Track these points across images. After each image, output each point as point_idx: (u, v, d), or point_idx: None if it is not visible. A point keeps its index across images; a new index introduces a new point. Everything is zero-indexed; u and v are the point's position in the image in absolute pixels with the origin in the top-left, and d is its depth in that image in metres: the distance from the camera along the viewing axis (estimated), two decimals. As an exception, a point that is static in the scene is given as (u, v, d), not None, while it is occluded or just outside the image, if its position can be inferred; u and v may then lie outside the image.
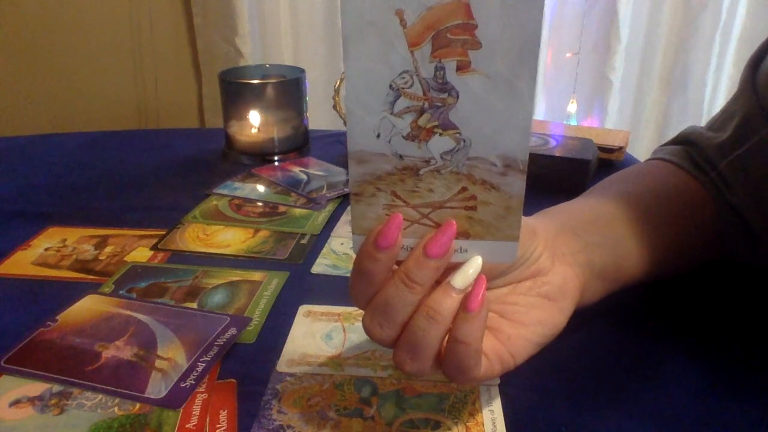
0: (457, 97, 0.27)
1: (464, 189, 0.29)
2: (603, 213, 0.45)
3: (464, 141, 0.28)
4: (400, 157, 0.28)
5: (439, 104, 0.27)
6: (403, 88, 0.27)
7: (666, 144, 0.55)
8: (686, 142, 0.52)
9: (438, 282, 0.31)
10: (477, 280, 0.31)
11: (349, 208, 0.65)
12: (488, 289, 0.32)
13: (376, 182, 0.29)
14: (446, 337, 0.31)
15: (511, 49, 0.25)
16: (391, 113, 0.27)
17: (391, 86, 0.27)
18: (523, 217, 0.30)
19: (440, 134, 0.28)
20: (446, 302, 0.30)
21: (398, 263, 0.31)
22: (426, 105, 0.27)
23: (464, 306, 0.30)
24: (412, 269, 0.30)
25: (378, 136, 0.28)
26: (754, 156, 0.47)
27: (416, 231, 0.30)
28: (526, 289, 0.36)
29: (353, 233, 0.31)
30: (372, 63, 0.26)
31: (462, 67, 0.26)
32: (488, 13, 0.25)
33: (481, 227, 0.30)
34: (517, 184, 0.28)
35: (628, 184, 0.50)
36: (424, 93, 0.27)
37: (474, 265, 0.31)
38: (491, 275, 0.33)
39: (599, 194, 0.49)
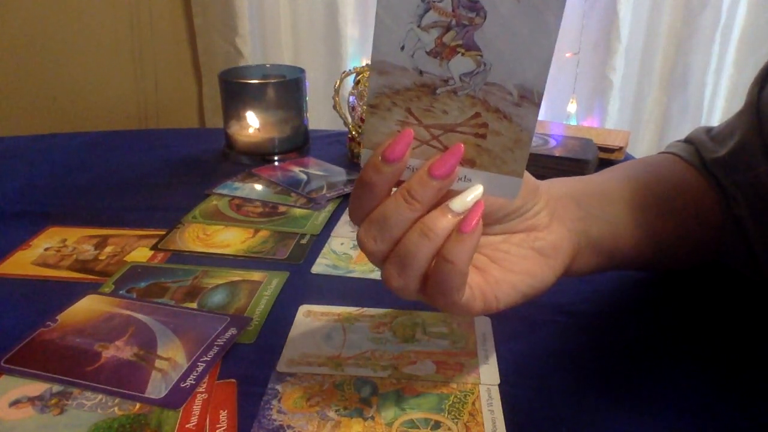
0: (485, 18, 0.27)
1: (477, 115, 0.29)
2: (607, 191, 0.45)
3: (484, 64, 0.28)
4: (420, 72, 0.29)
5: (466, 23, 0.27)
6: (433, 2, 0.27)
7: (677, 141, 0.55)
8: (693, 145, 0.52)
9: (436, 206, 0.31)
10: (474, 204, 0.31)
11: (348, 208, 0.65)
12: (483, 235, 0.32)
13: (393, 96, 0.29)
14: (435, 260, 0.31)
15: None
16: (419, 26, 0.28)
17: None
18: (527, 173, 0.30)
19: (462, 54, 0.28)
20: (442, 222, 0.30)
21: (399, 186, 0.31)
22: (453, 22, 0.27)
23: (458, 227, 0.30)
24: (415, 187, 0.30)
25: (402, 48, 0.28)
26: (751, 186, 0.47)
27: (424, 152, 0.30)
28: (519, 240, 0.37)
29: (363, 147, 0.31)
30: None
31: None
32: None
33: (488, 157, 0.30)
34: (530, 116, 0.29)
35: (637, 171, 0.50)
36: (453, 9, 0.27)
37: (474, 192, 0.31)
38: (489, 218, 0.34)
39: (607, 174, 0.49)
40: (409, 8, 0.27)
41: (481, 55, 0.28)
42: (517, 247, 0.37)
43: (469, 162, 0.30)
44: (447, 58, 0.28)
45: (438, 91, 0.29)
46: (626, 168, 0.51)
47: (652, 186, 0.48)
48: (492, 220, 0.35)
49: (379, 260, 0.32)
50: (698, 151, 0.51)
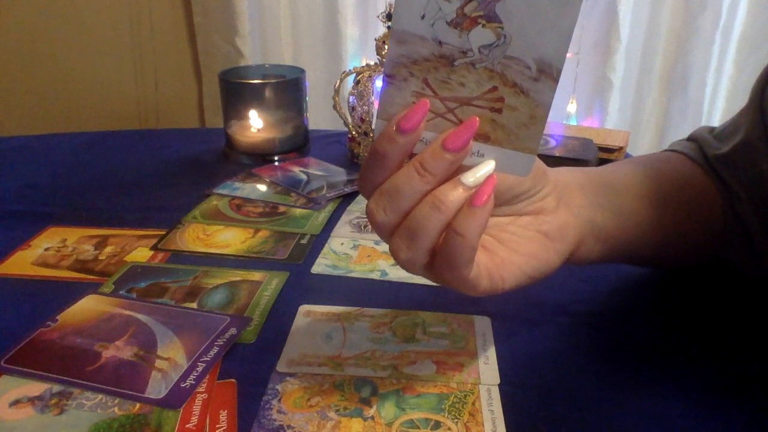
0: None
1: (494, 89, 0.29)
2: (613, 181, 0.45)
3: (504, 37, 0.28)
4: (440, 43, 0.28)
5: None
6: None
7: (680, 140, 0.55)
8: (696, 143, 0.53)
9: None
10: (487, 178, 0.31)
11: (348, 208, 0.65)
12: (491, 216, 0.32)
13: (411, 66, 0.29)
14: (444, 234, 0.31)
15: None
16: None
17: None
18: (537, 158, 0.30)
19: (483, 26, 0.28)
20: (453, 194, 0.30)
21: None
22: None
23: (470, 201, 0.30)
24: (428, 159, 0.30)
25: (423, 17, 0.28)
26: (754, 183, 0.47)
27: (438, 125, 0.30)
28: (526, 223, 0.37)
29: (377, 117, 0.31)
30: None
31: None
32: None
33: (503, 133, 0.30)
34: (548, 92, 0.28)
35: (642, 165, 0.51)
36: None
37: (487, 167, 0.30)
38: (498, 199, 0.33)
39: (613, 167, 0.49)
40: None
41: (502, 27, 0.27)
42: (523, 229, 0.37)
43: (483, 136, 0.30)
44: (467, 29, 0.28)
45: (456, 63, 0.29)
46: (631, 162, 0.51)
47: (656, 180, 0.48)
48: (501, 200, 0.35)
49: (388, 232, 0.32)
50: (701, 148, 0.51)
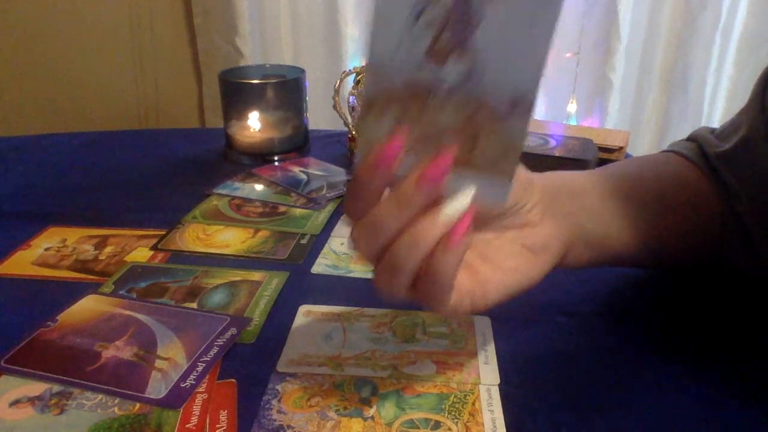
0: (480, 23, 0.27)
1: (470, 118, 0.29)
2: (604, 187, 0.45)
3: (479, 68, 0.28)
4: (414, 76, 0.28)
5: (462, 26, 0.27)
6: (428, 5, 0.27)
7: (679, 141, 0.55)
8: (696, 143, 0.52)
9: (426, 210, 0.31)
10: (462, 217, 0.31)
11: (344, 205, 0.65)
12: (475, 232, 0.32)
13: (388, 97, 0.29)
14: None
15: None
16: (414, 28, 0.27)
17: (417, 1, 0.27)
18: (523, 168, 0.30)
19: (456, 58, 0.28)
20: (431, 231, 0.30)
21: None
22: (448, 26, 0.27)
23: (445, 240, 0.31)
24: (406, 189, 0.30)
25: (397, 50, 0.28)
26: (754, 181, 0.47)
27: (417, 153, 0.30)
28: (511, 237, 0.37)
29: (357, 148, 0.31)
30: None
31: None
32: None
33: (479, 161, 0.30)
34: (522, 122, 0.28)
35: (637, 169, 0.51)
36: (447, 13, 0.27)
37: (463, 200, 0.31)
38: (480, 220, 0.34)
39: (606, 171, 0.49)
40: (404, 10, 0.27)
41: (476, 59, 0.28)
42: (508, 244, 0.37)
43: (459, 165, 0.30)
44: (441, 61, 0.28)
45: (432, 93, 0.29)
46: (628, 164, 0.51)
47: (650, 183, 0.48)
48: (485, 219, 0.35)
49: (370, 261, 0.33)
50: (701, 147, 0.51)
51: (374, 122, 0.30)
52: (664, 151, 0.54)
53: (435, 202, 0.31)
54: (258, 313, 0.47)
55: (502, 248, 0.37)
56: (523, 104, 0.28)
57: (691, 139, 0.53)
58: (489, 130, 0.29)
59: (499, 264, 0.36)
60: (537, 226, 0.38)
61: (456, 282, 0.33)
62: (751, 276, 0.49)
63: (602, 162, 0.75)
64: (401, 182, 0.30)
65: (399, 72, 0.28)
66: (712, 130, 0.53)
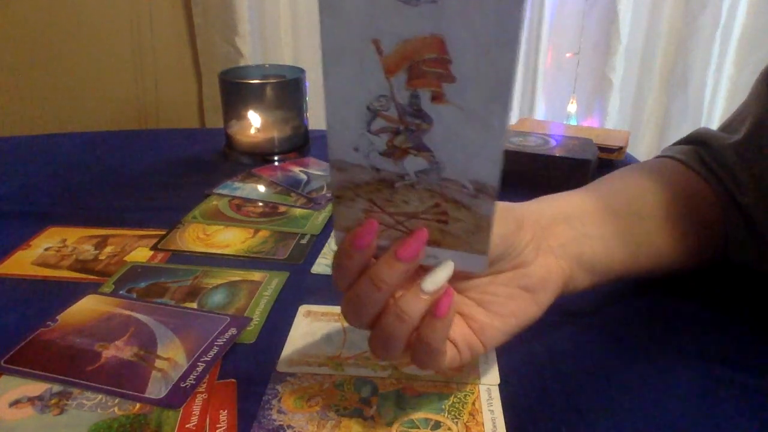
0: (431, 124, 0.27)
1: (437, 204, 0.30)
2: (601, 206, 0.45)
3: (437, 163, 0.28)
4: (377, 170, 0.29)
5: (414, 128, 0.28)
6: (379, 110, 0.27)
7: (676, 143, 0.55)
8: (697, 141, 0.52)
9: (411, 281, 0.32)
10: (446, 289, 0.32)
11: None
12: (469, 278, 0.34)
13: (355, 189, 0.30)
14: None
15: (485, 87, 0.25)
16: (369, 131, 0.28)
17: (368, 107, 0.27)
18: (511, 205, 0.31)
19: (414, 155, 0.28)
20: (415, 304, 0.31)
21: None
22: (401, 127, 0.28)
23: (432, 312, 0.32)
24: (382, 270, 0.31)
25: (356, 149, 0.29)
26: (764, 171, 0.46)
27: (391, 235, 0.31)
28: (506, 279, 0.36)
29: (335, 229, 0.32)
30: (350, 85, 0.27)
31: (436, 98, 0.26)
32: (462, 50, 0.25)
33: (452, 239, 0.31)
34: (487, 206, 0.29)
35: (633, 179, 0.50)
36: (399, 117, 0.27)
37: (445, 271, 0.32)
38: (468, 275, 0.35)
39: (602, 187, 0.48)
40: (356, 117, 0.28)
41: (433, 156, 0.28)
42: (504, 287, 0.36)
43: (434, 242, 0.31)
44: (400, 158, 0.29)
45: (396, 185, 0.30)
46: (620, 178, 0.51)
47: (647, 196, 0.47)
48: (471, 276, 0.36)
49: (364, 329, 0.34)
50: (698, 148, 0.51)
51: (346, 210, 0.31)
52: (660, 157, 0.54)
53: (417, 273, 0.32)
54: (258, 313, 0.47)
55: (497, 292, 0.36)
56: (486, 192, 0.29)
57: (691, 140, 0.53)
58: (457, 214, 0.30)
59: (496, 310, 0.36)
60: (532, 265, 0.37)
61: (453, 335, 0.35)
62: (762, 271, 0.48)
63: (602, 162, 0.75)
64: (375, 264, 0.31)
65: (362, 168, 0.29)
66: (714, 130, 0.52)
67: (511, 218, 0.35)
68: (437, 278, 0.31)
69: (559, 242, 0.39)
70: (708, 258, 0.50)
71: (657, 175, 0.50)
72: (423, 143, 0.28)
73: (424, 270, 0.32)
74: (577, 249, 0.40)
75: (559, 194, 0.45)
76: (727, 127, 0.51)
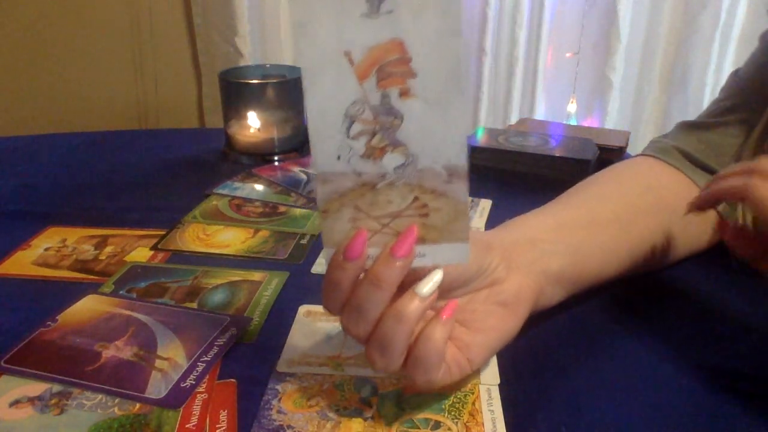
0: (402, 120, 0.31)
1: (417, 198, 0.33)
2: (566, 220, 0.47)
3: (412, 156, 0.32)
4: (359, 174, 0.32)
5: (388, 126, 0.31)
6: (356, 115, 0.31)
7: (662, 137, 0.56)
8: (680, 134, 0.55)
9: (403, 289, 0.34)
10: (449, 301, 0.35)
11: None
12: (449, 298, 0.36)
13: (340, 198, 0.33)
14: (413, 338, 0.34)
15: (439, 77, 0.30)
16: (348, 137, 0.31)
17: (345, 114, 0.31)
18: (480, 232, 0.33)
19: (391, 151, 0.32)
20: (412, 306, 0.33)
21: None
22: (377, 127, 0.31)
23: (438, 313, 0.34)
24: (381, 269, 0.33)
25: (339, 158, 0.32)
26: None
27: (379, 241, 0.33)
28: (483, 297, 0.39)
29: (324, 246, 0.34)
30: (328, 96, 0.30)
31: (403, 94, 0.30)
32: (418, 47, 0.29)
33: (435, 232, 0.33)
34: (462, 190, 0.32)
35: (606, 185, 0.52)
36: (374, 117, 0.31)
37: (436, 275, 0.34)
38: (453, 284, 0.37)
39: (570, 199, 0.51)
40: (335, 125, 0.31)
41: (407, 149, 0.31)
42: (482, 304, 0.39)
43: (420, 239, 0.33)
44: (379, 157, 0.32)
45: (378, 186, 0.32)
46: (592, 186, 0.52)
47: (622, 199, 0.49)
48: (457, 285, 0.37)
49: (363, 341, 0.35)
50: (681, 147, 0.53)
51: (334, 224, 0.33)
52: (640, 155, 0.55)
53: (409, 280, 0.33)
54: (258, 313, 0.47)
55: (477, 310, 0.39)
56: (458, 175, 0.32)
57: (670, 135, 0.54)
58: (436, 203, 0.33)
59: (477, 327, 0.38)
60: (505, 282, 0.39)
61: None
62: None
63: (602, 162, 0.75)
64: (373, 266, 0.33)
65: (345, 175, 0.32)
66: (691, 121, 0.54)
67: (479, 243, 0.38)
68: (430, 281, 0.34)
69: (525, 261, 0.41)
70: (692, 247, 0.51)
71: (640, 177, 0.52)
72: (397, 139, 0.31)
73: (413, 276, 0.34)
74: (543, 265, 0.42)
75: (523, 216, 0.47)
76: (710, 114, 0.53)
